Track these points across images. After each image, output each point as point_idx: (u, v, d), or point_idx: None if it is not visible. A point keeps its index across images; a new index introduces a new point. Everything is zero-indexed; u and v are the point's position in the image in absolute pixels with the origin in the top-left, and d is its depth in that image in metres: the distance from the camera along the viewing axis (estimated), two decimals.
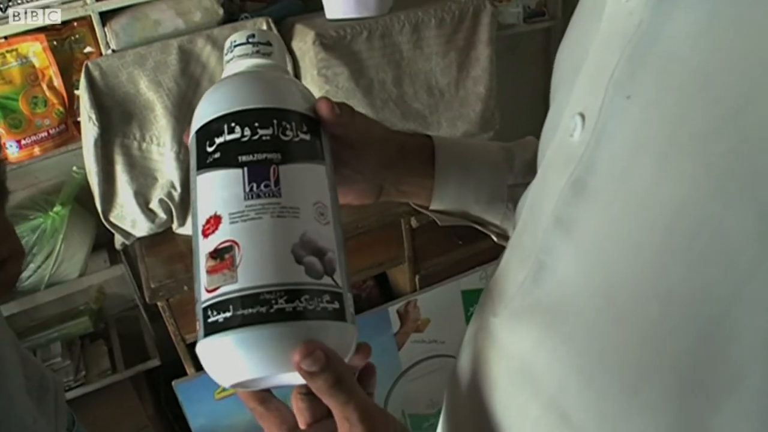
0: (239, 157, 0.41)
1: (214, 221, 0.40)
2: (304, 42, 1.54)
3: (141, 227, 1.55)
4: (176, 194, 1.52)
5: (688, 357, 0.32)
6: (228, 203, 0.40)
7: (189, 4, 1.54)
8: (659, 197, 0.32)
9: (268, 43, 0.48)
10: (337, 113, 0.47)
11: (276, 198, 0.40)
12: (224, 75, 0.48)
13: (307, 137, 0.44)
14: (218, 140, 0.42)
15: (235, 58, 0.48)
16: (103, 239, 1.71)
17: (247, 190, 0.40)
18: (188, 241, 1.61)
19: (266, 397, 0.45)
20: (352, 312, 0.41)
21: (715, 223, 0.30)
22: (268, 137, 0.42)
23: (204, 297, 0.39)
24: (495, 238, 0.65)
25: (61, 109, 1.53)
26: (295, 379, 0.40)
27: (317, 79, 1.53)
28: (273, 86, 0.45)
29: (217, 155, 0.42)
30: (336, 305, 0.40)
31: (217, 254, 0.39)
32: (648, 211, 0.33)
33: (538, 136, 0.52)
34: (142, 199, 1.52)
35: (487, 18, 1.72)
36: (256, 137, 0.42)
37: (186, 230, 1.58)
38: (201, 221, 0.41)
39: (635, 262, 0.34)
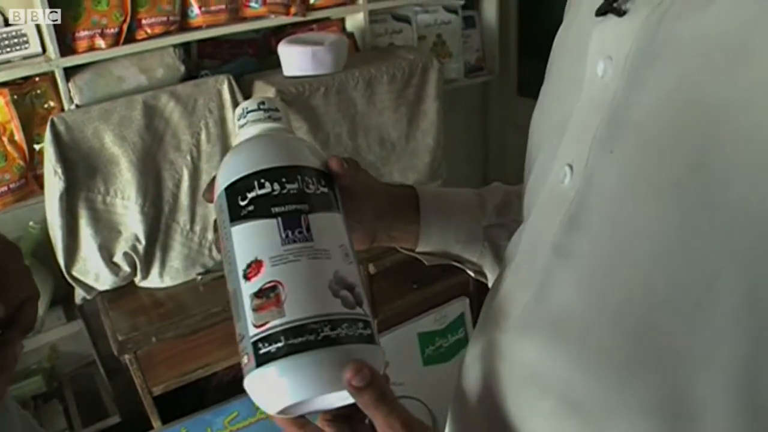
0: (272, 209, 0.47)
1: (256, 266, 0.45)
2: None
3: (104, 281, 1.56)
4: (140, 247, 1.54)
5: (667, 346, 0.41)
6: (267, 249, 0.46)
7: (152, 61, 1.59)
8: (641, 230, 0.42)
9: (277, 109, 0.55)
10: (346, 168, 0.54)
11: (309, 242, 0.46)
12: (240, 138, 0.54)
13: (326, 190, 0.50)
14: (250, 195, 0.48)
15: (248, 123, 0.54)
16: (59, 295, 1.70)
17: (284, 236, 0.46)
18: (152, 294, 1.64)
19: (305, 422, 0.50)
20: (378, 336, 0.48)
21: (686, 248, 0.39)
22: (295, 191, 0.48)
23: (253, 332, 0.44)
24: (472, 274, 0.74)
25: (22, 163, 1.54)
26: (338, 399, 0.46)
27: None
28: (291, 147, 0.52)
29: (251, 208, 0.47)
30: (368, 331, 0.46)
31: (263, 294, 0.44)
32: (632, 240, 0.42)
33: (478, 183, 0.60)
34: (106, 252, 1.53)
35: (434, 74, 1.84)
36: (285, 191, 0.48)
37: (150, 283, 1.60)
38: (241, 266, 0.46)
39: (624, 280, 0.43)
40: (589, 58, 0.47)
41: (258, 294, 0.45)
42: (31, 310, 0.59)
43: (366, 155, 1.75)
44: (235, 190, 0.49)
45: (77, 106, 1.50)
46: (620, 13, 0.44)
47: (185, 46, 1.72)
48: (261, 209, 0.47)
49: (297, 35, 1.81)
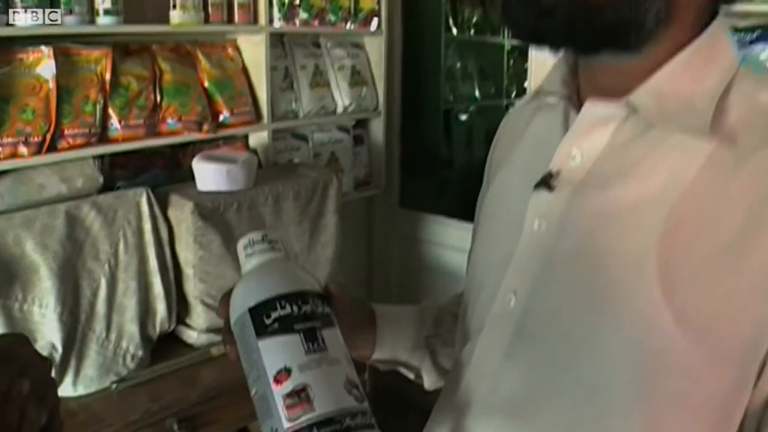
0: (294, 326, 0.61)
1: (286, 372, 0.59)
2: (181, 211, 1.72)
3: None
4: (57, 355, 1.56)
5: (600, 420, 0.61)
6: (294, 358, 0.59)
7: (72, 170, 1.68)
8: (567, 337, 0.62)
9: (277, 241, 0.69)
10: (341, 292, 0.70)
11: (326, 352, 0.61)
12: (249, 266, 0.67)
13: (328, 309, 0.66)
14: (274, 315, 0.61)
15: (256, 253, 0.68)
16: None
17: (306, 348, 0.60)
18: (64, 403, 1.61)
19: None
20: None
21: (595, 350, 0.60)
22: (309, 311, 0.63)
23: (287, 425, 0.57)
24: (413, 377, 0.92)
25: None
26: None
27: (192, 245, 1.71)
28: (299, 274, 0.67)
29: (276, 326, 0.61)
30: (372, 419, 0.60)
31: (295, 395, 0.58)
32: (562, 344, 0.63)
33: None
34: None
35: (334, 191, 2.04)
36: (302, 312, 0.62)
37: (62, 392, 1.61)
38: (271, 373, 0.59)
39: (560, 372, 0.63)
40: (527, 217, 0.68)
41: (290, 395, 0.58)
42: (58, 416, 0.69)
43: None
44: (259, 311, 0.62)
45: None
46: (551, 189, 0.66)
47: (101, 157, 1.81)
48: (285, 326, 0.60)
49: (209, 152, 1.95)
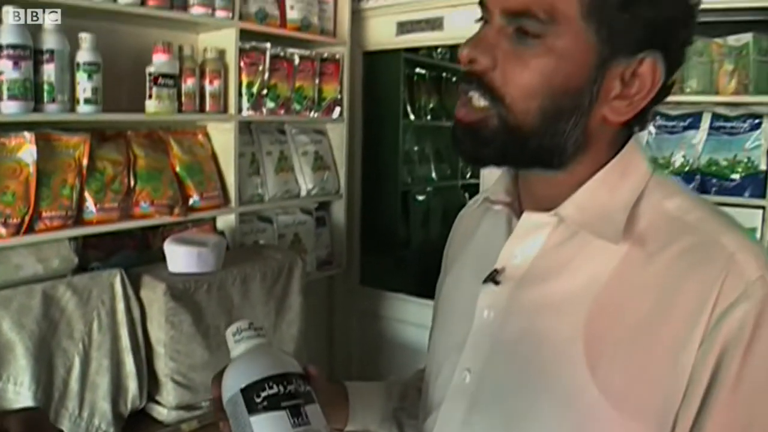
0: (281, 403, 0.71)
1: None
2: (153, 292, 1.79)
3: None
4: None
5: None
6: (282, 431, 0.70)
7: (48, 251, 1.75)
8: (515, 408, 0.74)
9: (262, 328, 0.80)
10: (319, 372, 0.80)
11: (310, 426, 0.70)
12: (237, 350, 0.77)
13: (308, 388, 0.75)
14: (263, 394, 0.71)
15: (244, 339, 0.78)
16: None
17: (292, 422, 0.69)
18: None
19: None
20: None
21: (531, 402, 0.73)
22: (293, 390, 0.72)
23: None
24: None
25: None
26: None
27: (164, 325, 1.78)
28: (282, 358, 0.77)
29: (265, 403, 0.70)
30: None
31: None
32: (511, 413, 0.75)
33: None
34: None
35: (298, 272, 2.13)
36: (286, 391, 0.72)
37: None
38: None
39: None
40: (478, 306, 0.81)
41: None
42: None
43: None
44: (250, 391, 0.71)
45: None
46: (497, 283, 0.79)
47: (75, 238, 1.88)
48: (272, 404, 0.70)
49: (180, 235, 2.04)
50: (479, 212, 0.94)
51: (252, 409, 0.71)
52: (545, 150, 0.73)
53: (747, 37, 2.06)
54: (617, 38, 0.69)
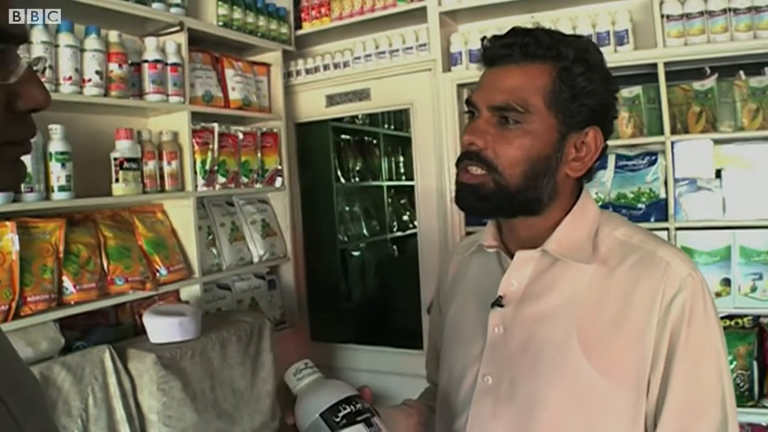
0: (356, 419, 0.89)
1: None
2: (142, 363, 1.90)
3: None
4: None
5: None
6: None
7: (36, 334, 1.82)
8: (526, 393, 0.99)
9: (314, 365, 0.98)
10: (369, 392, 0.98)
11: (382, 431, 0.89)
12: (302, 384, 0.95)
13: (368, 404, 0.93)
14: (340, 414, 0.89)
15: (305, 375, 0.96)
16: None
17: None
18: None
19: None
20: None
21: (542, 389, 0.98)
22: (360, 407, 0.90)
23: None
24: None
25: None
26: None
27: (156, 393, 1.88)
28: (342, 385, 0.94)
29: (344, 421, 0.88)
30: None
31: None
32: (533, 405, 0.98)
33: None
34: None
35: (267, 332, 2.28)
36: (356, 409, 0.89)
37: None
38: None
39: (535, 424, 0.97)
40: (489, 325, 1.04)
41: None
42: None
43: (222, 404, 2.08)
44: (329, 413, 0.89)
45: None
46: (502, 306, 1.03)
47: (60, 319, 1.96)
48: (350, 421, 0.87)
49: (155, 307, 2.16)
50: (466, 257, 1.20)
51: (333, 427, 0.88)
52: (528, 201, 1.01)
53: (637, 89, 2.40)
54: (570, 120, 1.00)
